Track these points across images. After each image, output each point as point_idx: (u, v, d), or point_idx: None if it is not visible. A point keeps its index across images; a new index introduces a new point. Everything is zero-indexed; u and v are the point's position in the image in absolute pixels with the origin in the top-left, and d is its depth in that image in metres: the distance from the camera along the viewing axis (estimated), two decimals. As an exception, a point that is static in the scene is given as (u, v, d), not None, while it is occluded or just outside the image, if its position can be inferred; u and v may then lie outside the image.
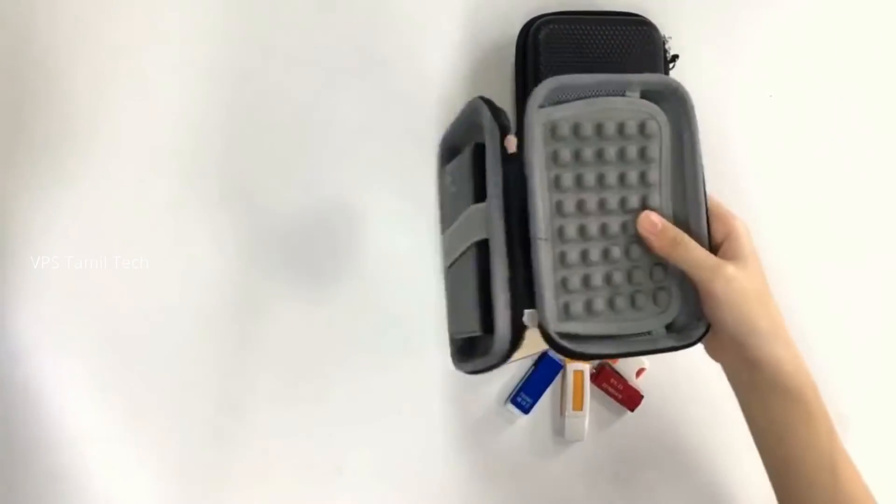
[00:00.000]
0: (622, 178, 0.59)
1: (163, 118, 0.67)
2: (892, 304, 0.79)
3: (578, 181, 0.59)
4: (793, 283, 0.76)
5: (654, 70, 0.70)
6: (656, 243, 0.59)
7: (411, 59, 0.70)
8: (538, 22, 0.70)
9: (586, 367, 0.72)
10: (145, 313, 0.66)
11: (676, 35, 0.72)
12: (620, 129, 0.59)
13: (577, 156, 0.59)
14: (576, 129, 0.59)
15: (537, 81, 0.69)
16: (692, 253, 0.58)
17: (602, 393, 0.73)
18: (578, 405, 0.72)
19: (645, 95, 0.60)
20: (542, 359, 0.72)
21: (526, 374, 0.72)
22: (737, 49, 0.76)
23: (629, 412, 0.73)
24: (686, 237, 0.58)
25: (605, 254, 0.59)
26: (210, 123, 0.68)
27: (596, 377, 0.73)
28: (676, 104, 0.60)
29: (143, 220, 0.66)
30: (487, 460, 0.71)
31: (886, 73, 0.78)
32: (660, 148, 0.60)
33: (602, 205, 0.59)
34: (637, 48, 0.70)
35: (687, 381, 0.73)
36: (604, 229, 0.59)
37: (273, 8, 0.68)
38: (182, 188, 0.67)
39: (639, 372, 0.73)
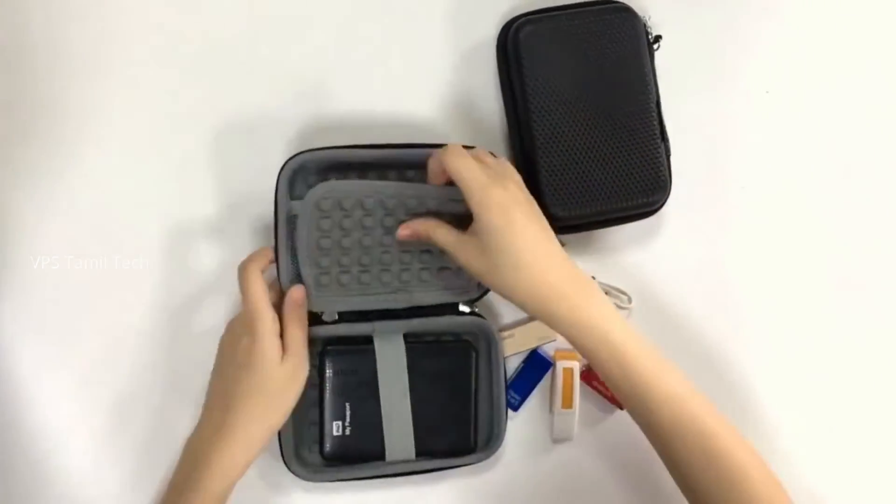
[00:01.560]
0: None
1: (163, 117, 0.70)
2: (886, 294, 0.75)
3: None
4: (788, 275, 0.74)
5: (638, 56, 0.69)
6: (404, 232, 0.65)
7: (392, 63, 0.72)
8: (517, 23, 0.70)
9: (576, 365, 0.71)
10: (144, 312, 0.70)
11: (674, 35, 0.71)
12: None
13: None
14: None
15: (522, 84, 0.69)
16: (439, 237, 0.63)
17: (591, 391, 0.72)
18: (568, 403, 0.71)
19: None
20: (532, 356, 0.72)
21: (515, 371, 0.72)
22: (733, 46, 0.75)
23: (619, 410, 0.71)
24: (433, 223, 0.64)
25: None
26: (211, 120, 0.70)
27: (586, 375, 0.72)
28: None
29: (142, 220, 0.70)
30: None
31: (883, 69, 0.76)
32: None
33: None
34: (618, 35, 0.69)
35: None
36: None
37: (256, 12, 0.72)
38: (182, 187, 0.70)
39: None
